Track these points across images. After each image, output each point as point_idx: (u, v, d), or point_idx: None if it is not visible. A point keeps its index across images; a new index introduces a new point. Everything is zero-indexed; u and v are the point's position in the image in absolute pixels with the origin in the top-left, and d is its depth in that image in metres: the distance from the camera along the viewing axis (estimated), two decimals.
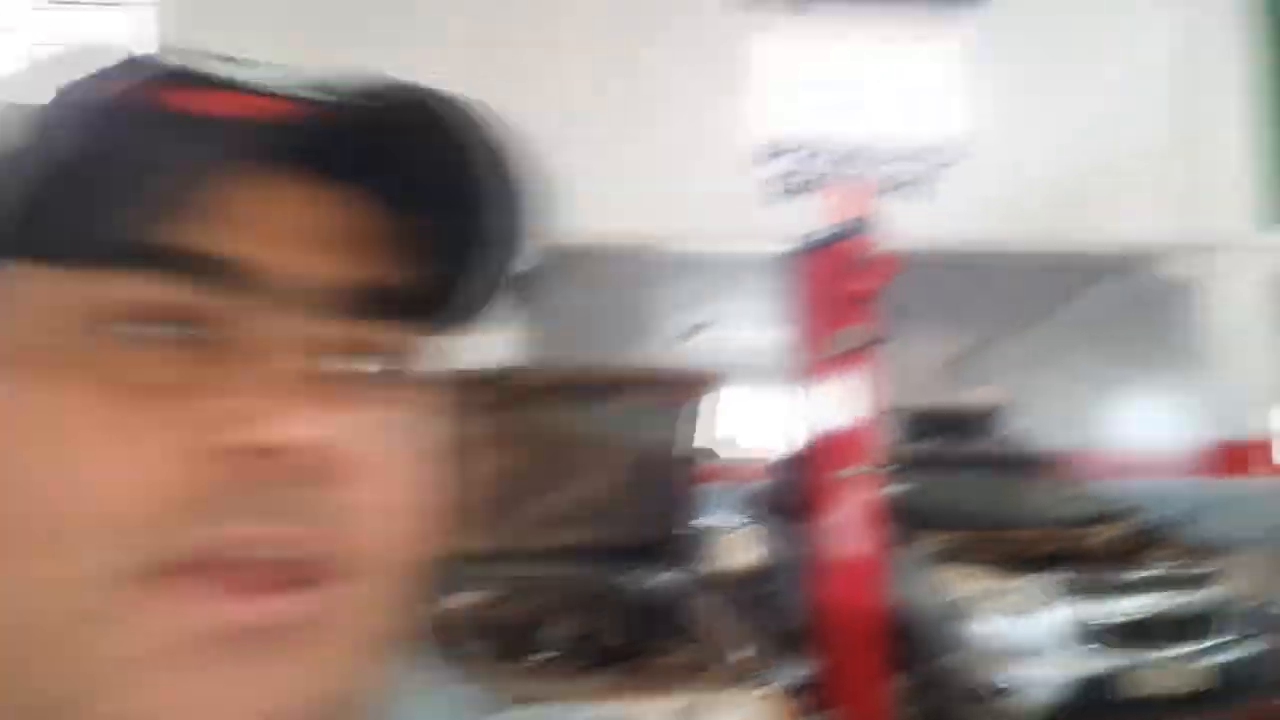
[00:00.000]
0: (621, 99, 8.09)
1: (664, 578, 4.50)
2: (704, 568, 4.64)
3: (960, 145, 8.46)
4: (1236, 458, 8.63)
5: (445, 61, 7.91)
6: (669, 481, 4.52)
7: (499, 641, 4.20)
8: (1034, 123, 8.60)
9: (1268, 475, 8.77)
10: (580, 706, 3.30)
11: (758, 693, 3.44)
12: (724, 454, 7.92)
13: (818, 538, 5.70)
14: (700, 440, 4.60)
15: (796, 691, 3.70)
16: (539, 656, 4.04)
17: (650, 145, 8.07)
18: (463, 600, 4.35)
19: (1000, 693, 5.98)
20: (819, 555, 5.67)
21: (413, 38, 7.93)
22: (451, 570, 4.34)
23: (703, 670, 3.55)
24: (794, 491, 7.09)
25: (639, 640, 4.24)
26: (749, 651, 3.61)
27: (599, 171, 8.08)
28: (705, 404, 4.40)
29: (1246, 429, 8.73)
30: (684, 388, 4.36)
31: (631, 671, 3.65)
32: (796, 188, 8.22)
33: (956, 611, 6.10)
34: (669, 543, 4.63)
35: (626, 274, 9.33)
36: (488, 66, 7.96)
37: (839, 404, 5.88)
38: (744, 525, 5.21)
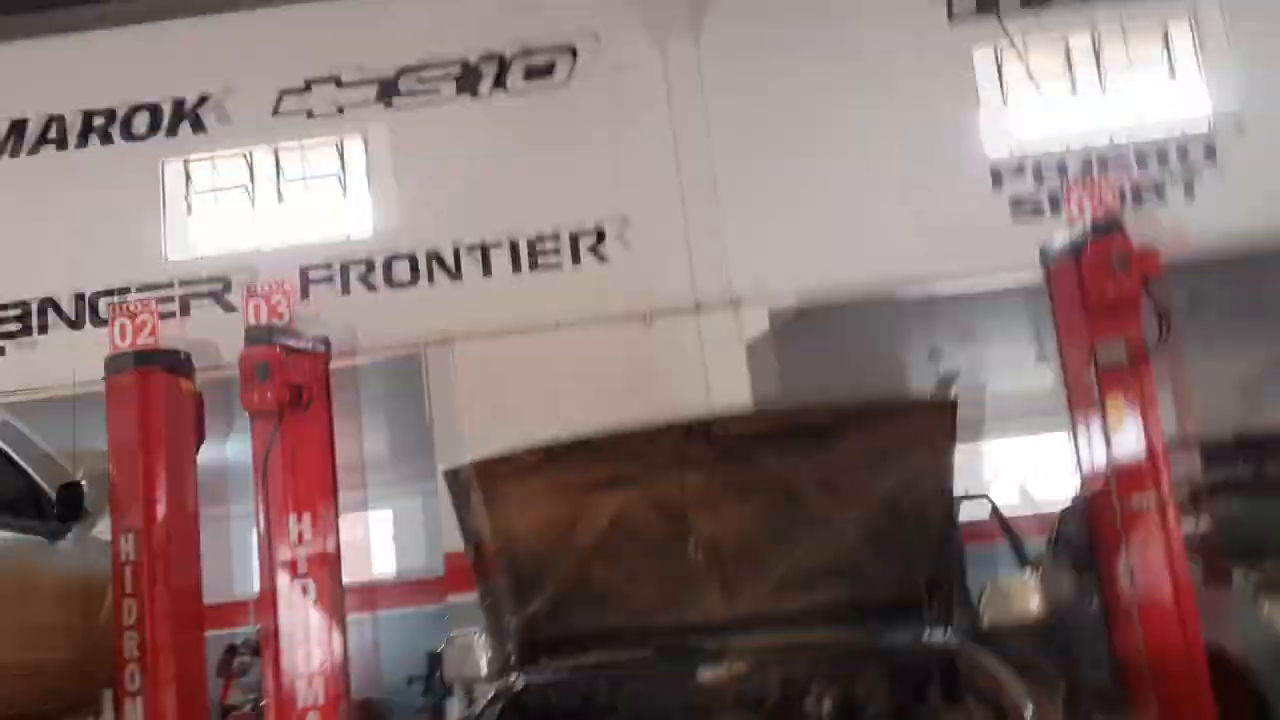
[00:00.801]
0: (845, 142, 7.82)
1: (932, 635, 4.03)
2: (978, 621, 4.13)
3: (1213, 139, 7.64)
4: None
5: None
6: (926, 527, 4.07)
7: (754, 715, 3.87)
8: None
9: None
10: None
11: None
12: (997, 504, 7.29)
13: (1112, 581, 5.07)
14: (959, 479, 4.14)
15: None
16: None
17: (884, 183, 7.73)
18: (710, 675, 4.05)
19: None
20: (1116, 601, 5.03)
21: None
22: (687, 644, 4.08)
23: None
24: (1083, 534, 6.40)
25: (911, 706, 3.79)
26: (1024, 710, 3.10)
27: (832, 220, 7.79)
28: (955, 436, 3.95)
29: None
30: (927, 417, 3.94)
31: None
32: (1041, 206, 7.64)
33: None
34: (933, 596, 4.17)
35: (872, 325, 8.90)
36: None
37: (1121, 429, 5.25)
38: (1024, 573, 4.66)
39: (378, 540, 13.09)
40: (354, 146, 8.45)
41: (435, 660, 11.36)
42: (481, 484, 3.95)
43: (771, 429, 3.85)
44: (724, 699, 4.01)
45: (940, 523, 4.15)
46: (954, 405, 3.97)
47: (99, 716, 5.19)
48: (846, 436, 3.84)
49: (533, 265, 7.81)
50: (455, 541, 7.62)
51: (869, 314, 8.31)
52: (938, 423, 3.91)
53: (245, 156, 8.63)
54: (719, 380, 7.36)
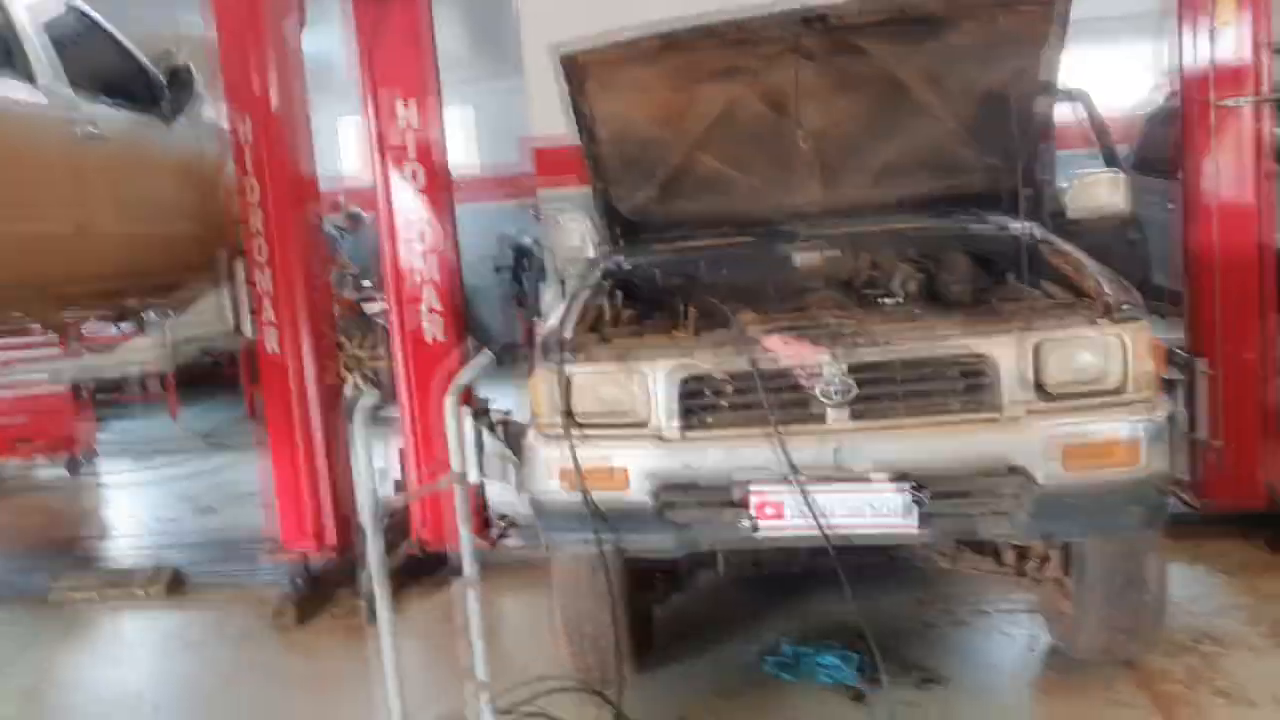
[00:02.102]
0: None
1: (1014, 225, 4.27)
2: (1059, 215, 4.33)
3: None
4: None
5: None
6: (1026, 121, 4.18)
7: (844, 293, 4.19)
8: None
9: None
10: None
11: (1116, 330, 3.23)
12: (1087, 104, 7.25)
13: (1194, 180, 5.19)
14: (1056, 79, 4.19)
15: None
16: (883, 302, 3.99)
17: None
18: (805, 258, 4.35)
19: None
20: (1196, 199, 5.17)
21: None
22: (785, 229, 4.35)
23: (1058, 310, 3.37)
24: (1168, 137, 6.45)
25: (989, 286, 4.09)
26: (1107, 294, 3.36)
27: None
28: (1066, 31, 3.95)
29: None
30: (1031, 13, 3.92)
31: (981, 313, 3.52)
32: None
33: None
34: (1024, 188, 4.35)
35: None
36: None
37: (1217, 32, 5.16)
38: (1106, 171, 4.78)
39: (460, 137, 13.32)
40: None
41: (519, 251, 11.99)
42: (597, 68, 4.07)
43: (886, 17, 3.84)
44: (817, 280, 4.35)
45: (1039, 119, 4.26)
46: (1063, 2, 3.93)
47: (234, 282, 5.65)
48: (960, 26, 3.85)
49: None
50: (541, 134, 7.74)
51: None
52: (1051, 16, 3.90)
53: None
54: None
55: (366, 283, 11.02)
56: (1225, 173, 5.03)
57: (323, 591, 5.34)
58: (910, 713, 3.65)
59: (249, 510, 7.28)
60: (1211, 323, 5.06)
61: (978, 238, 4.24)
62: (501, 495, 5.37)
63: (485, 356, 3.11)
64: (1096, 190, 4.24)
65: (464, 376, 3.09)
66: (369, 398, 2.76)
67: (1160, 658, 3.89)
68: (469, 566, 3.11)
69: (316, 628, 5.07)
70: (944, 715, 3.66)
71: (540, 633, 4.61)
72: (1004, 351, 3.20)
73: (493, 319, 11.99)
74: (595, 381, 3.42)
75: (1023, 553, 3.94)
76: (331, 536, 5.73)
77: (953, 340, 3.26)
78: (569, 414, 3.41)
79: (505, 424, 5.14)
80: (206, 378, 11.00)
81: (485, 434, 5.41)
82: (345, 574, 5.54)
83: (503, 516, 5.81)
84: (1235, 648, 3.97)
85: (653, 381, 3.36)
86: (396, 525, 5.65)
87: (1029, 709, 3.76)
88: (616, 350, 3.46)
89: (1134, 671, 3.82)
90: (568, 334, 3.54)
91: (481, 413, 5.34)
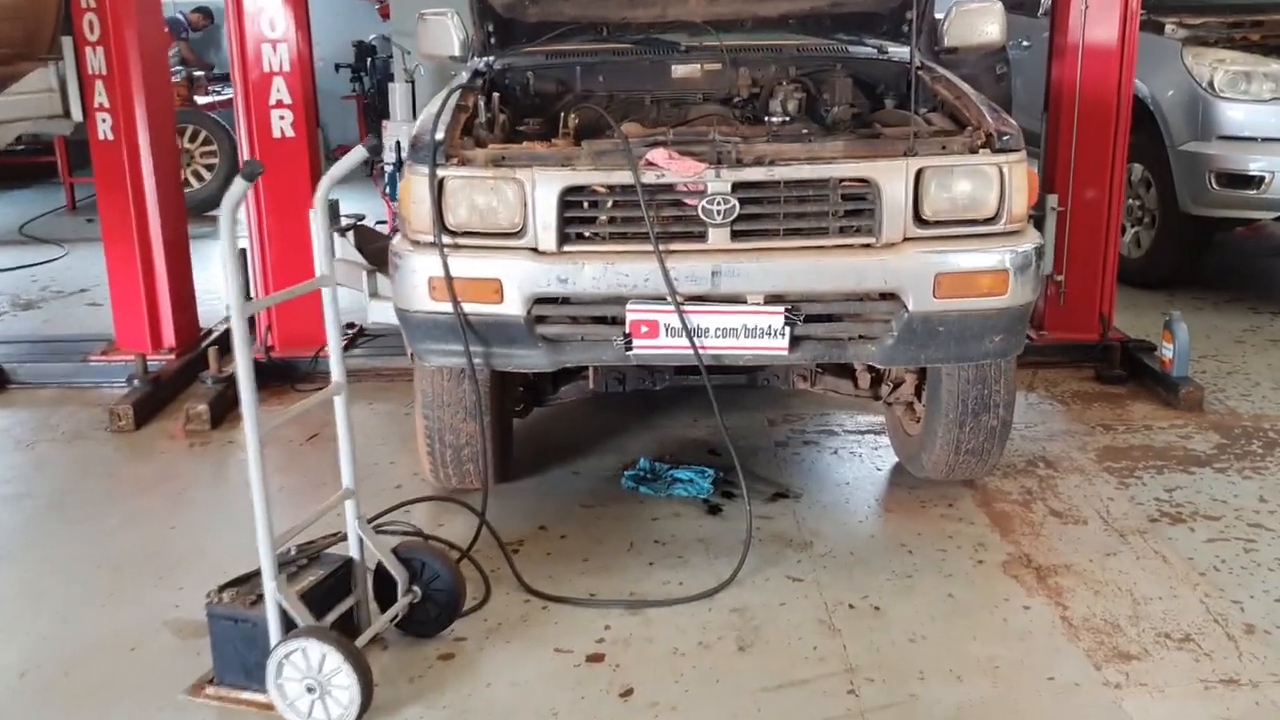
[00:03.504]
0: None
1: (895, 50, 4.24)
2: (939, 42, 4.31)
3: None
4: None
5: None
6: None
7: (723, 108, 4.11)
8: None
9: None
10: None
11: (995, 160, 3.26)
12: None
13: (1063, 19, 5.25)
14: None
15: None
16: (768, 121, 3.92)
17: None
18: (684, 70, 4.23)
19: (1250, 180, 5.73)
20: (1064, 38, 5.24)
21: None
22: (672, 41, 4.21)
23: (941, 138, 3.37)
24: None
25: (870, 110, 4.08)
26: (988, 123, 3.37)
27: None
28: None
29: None
30: None
31: (866, 137, 3.50)
32: None
33: (1207, 96, 5.74)
34: (902, 14, 4.32)
35: None
36: None
37: None
38: (984, 1, 4.78)
39: None
40: None
41: (362, 49, 11.35)
42: None
43: None
44: (695, 92, 4.24)
45: None
46: None
47: (60, 62, 5.16)
48: None
49: None
50: None
51: None
52: None
53: None
54: None
55: (200, 73, 10.32)
56: (1094, 13, 5.09)
57: (161, 394, 5.12)
58: (764, 525, 3.77)
59: (74, 308, 6.90)
60: (1067, 161, 5.21)
61: (858, 60, 4.20)
62: (349, 302, 5.22)
63: (360, 151, 2.91)
64: (974, 20, 4.20)
65: (337, 170, 2.89)
66: (238, 187, 2.55)
67: (998, 479, 4.12)
68: (337, 371, 2.98)
69: (155, 431, 4.87)
70: (796, 527, 3.79)
71: (393, 442, 4.56)
72: (888, 177, 3.20)
73: (332, 119, 11.39)
74: (469, 187, 3.27)
75: (878, 376, 4.06)
76: (170, 338, 5.49)
77: (837, 163, 3.23)
78: (441, 220, 3.26)
79: (357, 229, 4.94)
80: (17, 166, 10.22)
81: (336, 239, 5.20)
82: (185, 377, 5.33)
83: (350, 325, 5.63)
84: (1067, 471, 4.23)
85: (530, 191, 3.22)
86: None
87: (876, 522, 3.92)
88: (492, 155, 3.30)
89: (974, 491, 4.03)
90: (440, 135, 3.35)
91: (332, 216, 5.12)
